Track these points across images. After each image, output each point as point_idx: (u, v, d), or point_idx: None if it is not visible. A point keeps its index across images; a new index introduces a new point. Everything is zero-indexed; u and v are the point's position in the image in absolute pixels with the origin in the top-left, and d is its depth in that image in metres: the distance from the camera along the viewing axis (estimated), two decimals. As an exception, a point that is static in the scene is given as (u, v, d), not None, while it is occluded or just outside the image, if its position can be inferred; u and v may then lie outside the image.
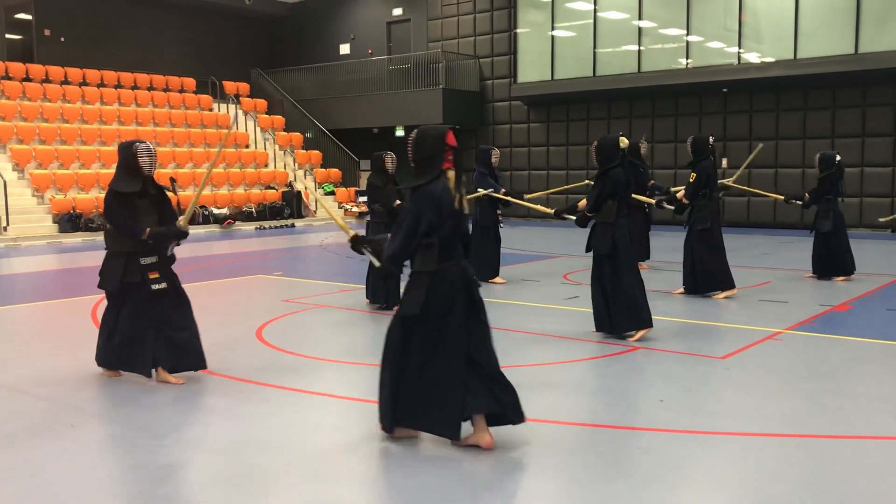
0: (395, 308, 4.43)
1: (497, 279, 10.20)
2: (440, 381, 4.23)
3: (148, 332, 5.55)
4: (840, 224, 10.31)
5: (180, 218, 5.68)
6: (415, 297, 4.25)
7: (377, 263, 4.50)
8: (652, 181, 11.95)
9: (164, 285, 5.59)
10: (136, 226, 5.47)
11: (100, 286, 5.64)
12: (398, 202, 8.46)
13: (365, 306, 8.66)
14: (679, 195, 9.15)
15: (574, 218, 7.29)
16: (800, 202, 10.88)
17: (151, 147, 5.56)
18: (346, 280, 10.76)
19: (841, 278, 10.25)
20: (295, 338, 7.15)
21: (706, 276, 9.01)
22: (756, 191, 13.23)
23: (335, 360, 6.35)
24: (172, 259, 5.72)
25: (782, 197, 11.51)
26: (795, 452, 4.27)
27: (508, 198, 10.10)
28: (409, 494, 3.77)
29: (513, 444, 4.41)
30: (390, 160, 8.70)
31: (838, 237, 10.29)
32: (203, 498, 3.74)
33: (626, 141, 6.91)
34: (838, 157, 10.35)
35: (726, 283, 9.01)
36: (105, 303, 5.77)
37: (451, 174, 4.28)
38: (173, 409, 5.08)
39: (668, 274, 10.68)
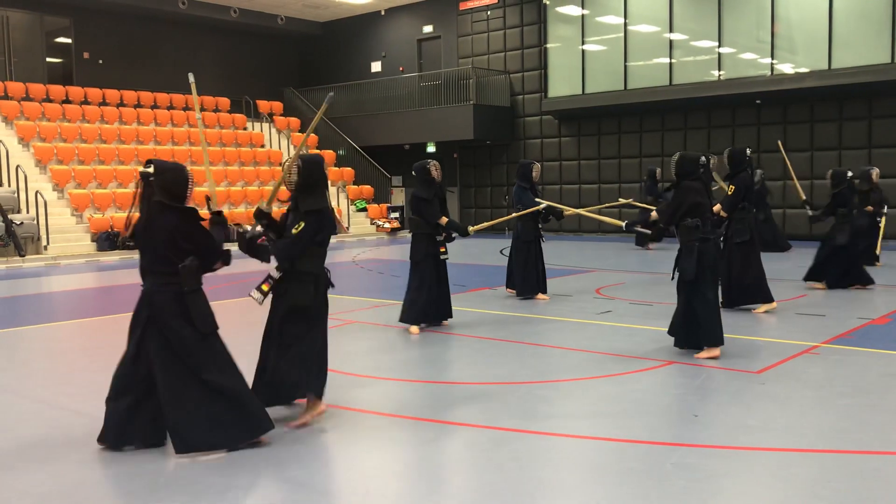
0: None
1: (541, 295, 10.11)
2: None
3: None
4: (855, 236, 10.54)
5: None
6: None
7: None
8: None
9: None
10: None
11: None
12: (444, 219, 7.99)
13: (396, 321, 8.69)
14: (715, 209, 9.02)
15: (648, 231, 7.50)
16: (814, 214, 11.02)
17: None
18: (379, 296, 10.82)
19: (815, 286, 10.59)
20: (329, 354, 7.17)
21: (743, 289, 8.92)
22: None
23: (369, 375, 6.38)
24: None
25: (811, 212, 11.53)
26: (833, 469, 4.21)
27: (558, 206, 10.19)
28: (440, 510, 3.78)
29: (542, 458, 4.41)
30: (436, 169, 8.00)
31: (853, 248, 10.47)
32: (237, 513, 3.78)
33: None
34: (850, 174, 10.60)
35: (764, 296, 8.91)
36: None
37: None
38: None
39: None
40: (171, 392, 4.55)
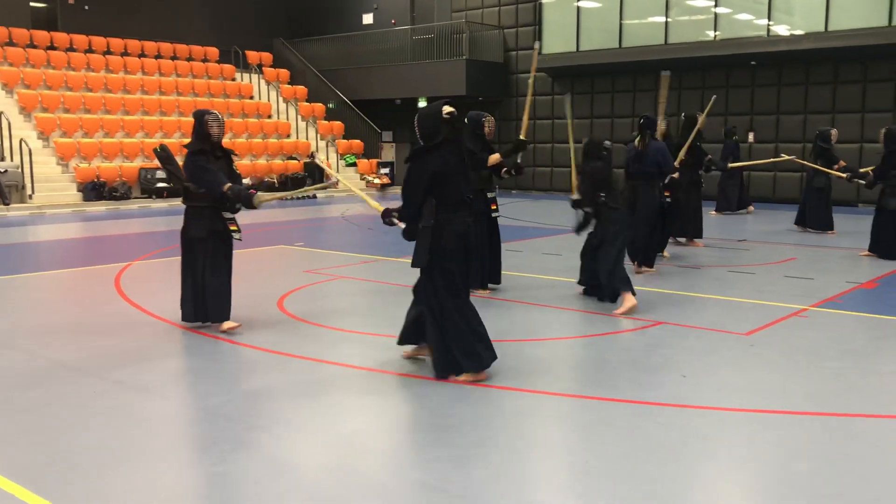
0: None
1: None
2: None
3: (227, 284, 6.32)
4: None
5: (258, 197, 6.15)
6: None
7: None
8: (709, 156, 11.68)
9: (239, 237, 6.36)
10: (220, 176, 6.08)
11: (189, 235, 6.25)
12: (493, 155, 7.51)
13: (384, 277, 8.65)
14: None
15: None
16: (863, 182, 10.68)
17: (220, 116, 6.30)
18: (367, 251, 10.76)
19: None
20: (316, 308, 7.15)
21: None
22: (813, 165, 12.87)
23: (356, 331, 6.33)
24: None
25: (845, 175, 11.36)
26: (818, 431, 4.22)
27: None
28: (416, 468, 3.76)
29: (529, 416, 4.39)
30: (489, 125, 7.55)
31: None
32: (209, 468, 3.75)
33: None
34: None
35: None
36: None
37: None
38: (196, 377, 5.11)
39: (725, 252, 10.62)
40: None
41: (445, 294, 4.93)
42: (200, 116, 6.21)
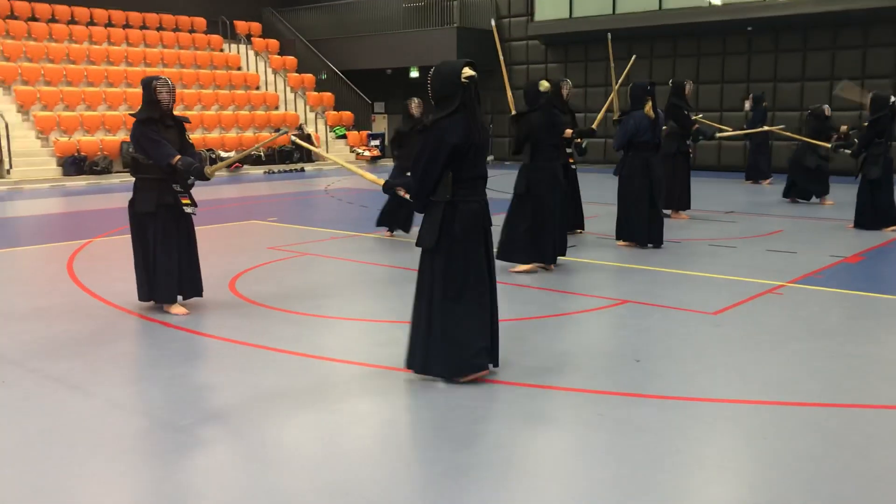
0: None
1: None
2: None
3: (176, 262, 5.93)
4: (889, 171, 9.62)
5: (209, 168, 5.96)
6: None
7: None
8: (696, 125, 11.29)
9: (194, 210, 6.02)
10: (169, 148, 5.75)
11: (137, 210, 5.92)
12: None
13: (349, 254, 8.33)
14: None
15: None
16: (848, 151, 10.30)
17: (170, 82, 5.95)
18: (340, 227, 10.43)
19: (891, 228, 9.58)
20: (268, 289, 6.81)
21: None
22: (802, 138, 12.47)
23: (307, 313, 6.01)
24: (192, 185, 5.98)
25: (829, 145, 10.99)
26: (776, 423, 3.88)
27: None
28: (356, 470, 3.46)
29: (464, 407, 4.07)
30: (415, 105, 9.22)
31: (887, 185, 9.61)
32: (123, 464, 3.46)
33: (547, 84, 7.34)
34: (893, 98, 9.60)
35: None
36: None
37: None
38: (114, 366, 4.80)
39: (710, 224, 10.27)
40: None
41: (444, 283, 4.32)
42: (148, 83, 5.87)
